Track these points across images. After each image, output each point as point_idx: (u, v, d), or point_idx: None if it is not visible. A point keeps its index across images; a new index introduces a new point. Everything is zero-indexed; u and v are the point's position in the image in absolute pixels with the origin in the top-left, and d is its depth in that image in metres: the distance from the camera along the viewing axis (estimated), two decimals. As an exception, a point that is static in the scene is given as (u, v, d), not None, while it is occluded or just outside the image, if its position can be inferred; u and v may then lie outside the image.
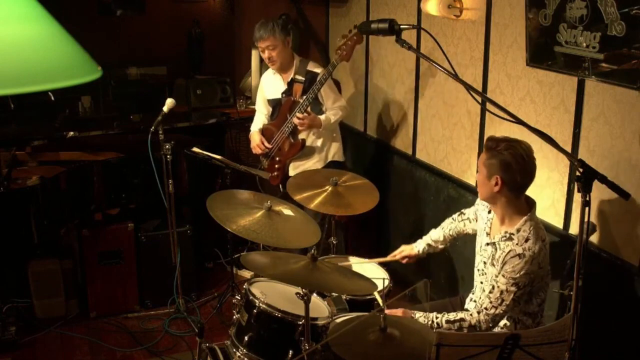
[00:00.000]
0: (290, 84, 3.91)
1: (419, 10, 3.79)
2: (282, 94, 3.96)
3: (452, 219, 3.02)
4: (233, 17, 4.97)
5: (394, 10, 4.15)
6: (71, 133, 3.95)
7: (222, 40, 4.96)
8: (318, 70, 3.85)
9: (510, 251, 2.46)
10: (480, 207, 2.81)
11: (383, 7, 4.30)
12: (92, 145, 4.05)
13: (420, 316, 2.58)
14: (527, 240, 2.45)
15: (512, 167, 2.45)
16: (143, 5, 4.73)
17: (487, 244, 2.62)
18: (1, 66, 1.10)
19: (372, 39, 4.51)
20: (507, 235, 2.51)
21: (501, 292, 2.47)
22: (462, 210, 2.99)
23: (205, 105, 4.68)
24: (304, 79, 3.84)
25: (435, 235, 3.05)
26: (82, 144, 4.03)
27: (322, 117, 3.84)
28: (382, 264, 3.11)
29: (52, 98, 4.11)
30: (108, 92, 4.52)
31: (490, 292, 2.51)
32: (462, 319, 2.53)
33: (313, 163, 3.96)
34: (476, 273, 2.73)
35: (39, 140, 3.95)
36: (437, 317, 2.56)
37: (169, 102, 3.70)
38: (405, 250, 3.10)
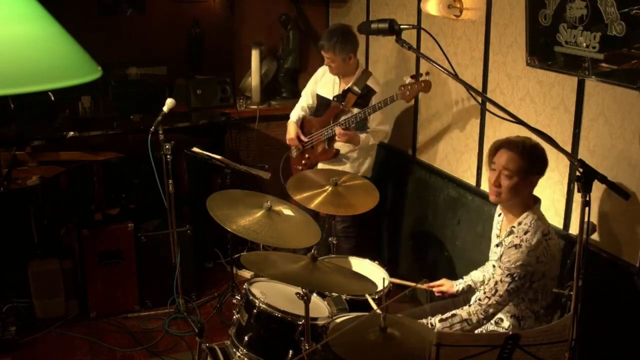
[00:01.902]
0: (346, 92, 3.83)
1: (419, 10, 3.79)
2: (334, 97, 3.89)
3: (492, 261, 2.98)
4: (233, 17, 4.97)
5: (394, 10, 4.15)
6: (71, 133, 3.95)
7: (222, 40, 4.95)
8: (377, 88, 3.78)
9: (509, 243, 2.48)
10: (495, 218, 2.82)
11: (383, 7, 4.30)
12: (92, 145, 4.05)
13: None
14: (526, 232, 2.46)
15: (544, 162, 2.48)
16: (143, 5, 4.73)
17: (497, 245, 2.62)
18: (1, 66, 1.10)
19: (372, 38, 4.51)
20: (510, 229, 2.53)
21: (495, 283, 2.47)
22: None
23: (205, 105, 4.67)
24: (360, 92, 3.77)
25: (476, 277, 2.98)
26: (82, 144, 4.03)
27: (363, 135, 3.78)
28: (380, 264, 3.11)
29: (52, 98, 4.11)
30: (108, 92, 4.52)
31: (486, 284, 2.51)
32: (453, 315, 2.53)
33: None
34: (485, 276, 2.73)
35: (39, 140, 3.94)
36: (431, 319, 2.56)
37: (169, 102, 3.70)
38: (445, 286, 3.01)
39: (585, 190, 1.85)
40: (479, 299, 2.50)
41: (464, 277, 3.03)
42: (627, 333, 2.58)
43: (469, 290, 2.95)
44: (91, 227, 3.92)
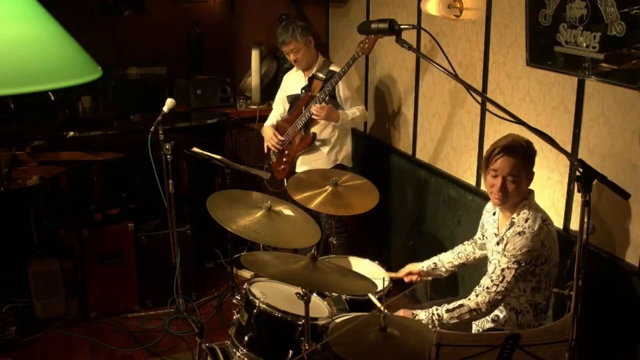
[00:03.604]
0: (311, 80, 3.97)
1: (419, 10, 3.79)
2: (302, 89, 4.01)
3: (463, 244, 3.02)
4: (233, 17, 4.97)
5: (394, 10, 4.15)
6: (71, 133, 3.95)
7: (222, 40, 4.96)
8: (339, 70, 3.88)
9: (512, 232, 2.51)
10: (486, 215, 2.83)
11: (383, 7, 4.30)
12: (92, 145, 4.05)
13: (420, 312, 2.58)
14: (527, 220, 2.50)
15: (535, 153, 2.55)
16: (143, 5, 4.73)
17: (497, 243, 2.62)
18: (1, 66, 1.10)
19: (372, 39, 4.51)
20: (510, 222, 2.55)
21: (502, 270, 2.48)
22: (474, 237, 2.99)
23: (205, 105, 4.68)
24: (324, 77, 3.89)
25: (444, 257, 3.03)
26: (82, 144, 4.03)
27: (340, 111, 3.87)
28: (381, 264, 3.11)
29: (52, 98, 4.11)
30: (108, 92, 4.52)
31: (492, 272, 2.52)
32: (461, 305, 2.52)
33: (322, 162, 3.97)
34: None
35: (39, 140, 3.94)
36: (437, 309, 2.55)
37: (169, 102, 3.70)
38: (409, 267, 3.07)
39: (585, 190, 1.85)
40: (487, 287, 2.50)
41: (431, 258, 3.07)
42: (627, 333, 2.58)
43: (435, 268, 3.03)
44: (91, 227, 3.92)
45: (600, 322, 2.64)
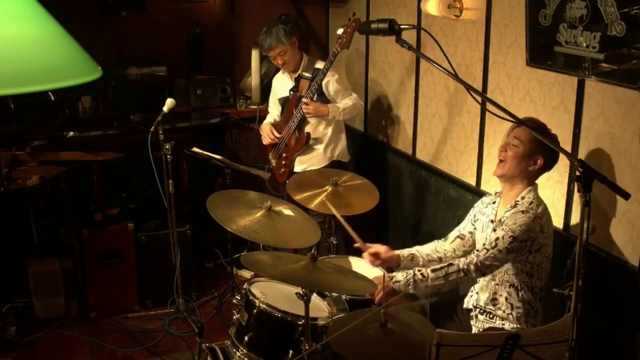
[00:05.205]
0: (297, 80, 3.98)
1: (419, 10, 3.79)
2: (290, 90, 4.02)
3: (434, 242, 2.89)
4: (233, 17, 4.98)
5: (394, 10, 4.15)
6: (71, 133, 3.95)
7: (222, 40, 4.96)
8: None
9: (514, 211, 2.52)
10: (481, 206, 2.81)
11: (383, 7, 4.31)
12: (92, 145, 4.05)
13: (397, 274, 2.55)
14: (531, 203, 2.52)
15: (553, 150, 2.50)
16: (143, 5, 4.74)
17: (494, 230, 2.62)
18: (1, 66, 1.10)
19: (372, 38, 4.51)
20: (514, 204, 2.55)
21: (497, 238, 2.48)
22: (447, 235, 2.90)
23: (205, 105, 4.68)
24: (310, 75, 3.90)
25: (422, 249, 2.87)
26: (82, 144, 4.03)
27: (330, 104, 3.87)
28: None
29: (52, 98, 4.11)
30: (108, 92, 4.52)
31: (486, 240, 2.53)
32: (449, 264, 2.50)
33: (318, 160, 3.98)
34: None
35: (39, 140, 3.95)
36: (419, 270, 2.51)
37: (169, 102, 3.70)
38: (380, 248, 2.79)
39: (585, 190, 1.85)
40: (477, 250, 2.50)
41: (408, 248, 2.89)
42: (627, 333, 2.58)
43: (413, 260, 2.81)
44: (91, 227, 3.92)
45: (600, 322, 2.64)
